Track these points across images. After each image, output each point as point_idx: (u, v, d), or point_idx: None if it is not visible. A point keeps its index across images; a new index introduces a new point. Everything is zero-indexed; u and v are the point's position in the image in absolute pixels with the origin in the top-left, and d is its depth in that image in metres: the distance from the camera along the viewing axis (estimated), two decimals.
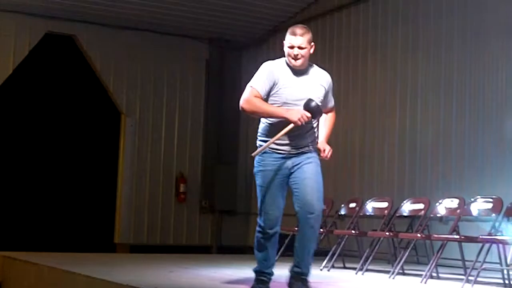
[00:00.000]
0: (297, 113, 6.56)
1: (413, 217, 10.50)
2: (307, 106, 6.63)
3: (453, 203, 9.85)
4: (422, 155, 12.73)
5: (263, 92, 6.76)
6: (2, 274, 11.15)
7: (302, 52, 6.78)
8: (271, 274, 7.03)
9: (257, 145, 6.95)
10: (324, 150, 6.90)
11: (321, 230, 11.00)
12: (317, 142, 6.97)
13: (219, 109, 16.88)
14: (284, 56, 6.87)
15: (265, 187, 6.84)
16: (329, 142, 7.00)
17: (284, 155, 6.80)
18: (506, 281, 8.70)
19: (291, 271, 6.95)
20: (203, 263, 11.21)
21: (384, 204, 10.82)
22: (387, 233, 10.17)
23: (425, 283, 8.84)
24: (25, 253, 11.40)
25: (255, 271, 7.06)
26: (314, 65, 7.05)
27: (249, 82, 6.90)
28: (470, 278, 8.47)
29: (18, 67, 15.27)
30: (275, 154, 6.79)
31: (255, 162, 6.93)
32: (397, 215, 10.61)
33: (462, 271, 9.09)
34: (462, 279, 8.61)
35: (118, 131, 16.48)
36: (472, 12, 12.04)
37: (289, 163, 6.79)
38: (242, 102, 6.82)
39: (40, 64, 15.65)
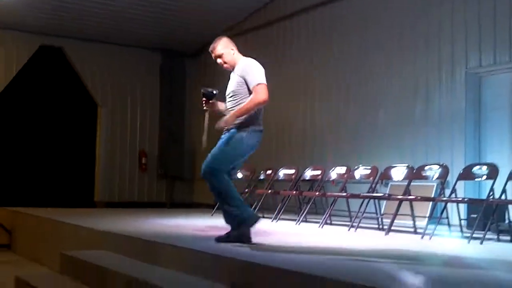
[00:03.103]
0: None
1: (313, 180, 10.49)
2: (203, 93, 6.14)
3: (342, 170, 9.87)
4: (319, 134, 12.76)
5: None
6: (11, 224, 10.96)
7: (220, 60, 6.23)
8: None
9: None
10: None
11: (246, 190, 11.01)
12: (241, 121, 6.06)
13: (170, 101, 16.81)
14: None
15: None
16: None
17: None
18: (380, 226, 8.76)
19: None
20: (159, 214, 11.13)
21: (292, 171, 10.82)
22: (294, 192, 10.19)
23: (322, 227, 8.85)
24: (28, 208, 11.27)
25: None
26: (243, 58, 6.28)
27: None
28: (354, 224, 8.51)
29: (19, 72, 14.97)
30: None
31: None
32: (301, 179, 10.60)
33: (348, 219, 9.12)
34: (349, 225, 8.64)
35: (95, 118, 16.31)
36: (355, 32, 12.11)
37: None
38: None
39: (36, 70, 15.31)
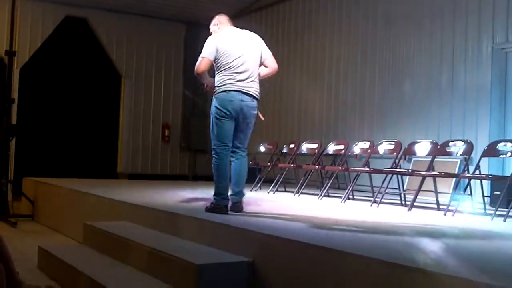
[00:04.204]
0: None
1: (336, 155, 10.48)
2: None
3: (365, 144, 9.82)
4: (343, 109, 12.71)
5: None
6: (34, 194, 11.07)
7: None
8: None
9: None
10: None
11: (269, 163, 11.03)
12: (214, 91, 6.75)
13: (193, 74, 16.80)
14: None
15: None
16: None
17: None
18: (403, 202, 8.74)
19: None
20: (181, 187, 11.16)
21: (315, 145, 10.80)
22: (317, 166, 10.17)
23: (344, 202, 8.84)
24: (51, 179, 11.35)
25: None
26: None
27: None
28: (376, 199, 8.49)
29: (44, 42, 15.05)
30: None
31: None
32: (324, 153, 10.58)
33: (371, 195, 9.11)
34: (371, 200, 8.63)
35: (119, 89, 16.38)
36: (382, 3, 12.00)
37: None
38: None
39: (61, 40, 15.39)
